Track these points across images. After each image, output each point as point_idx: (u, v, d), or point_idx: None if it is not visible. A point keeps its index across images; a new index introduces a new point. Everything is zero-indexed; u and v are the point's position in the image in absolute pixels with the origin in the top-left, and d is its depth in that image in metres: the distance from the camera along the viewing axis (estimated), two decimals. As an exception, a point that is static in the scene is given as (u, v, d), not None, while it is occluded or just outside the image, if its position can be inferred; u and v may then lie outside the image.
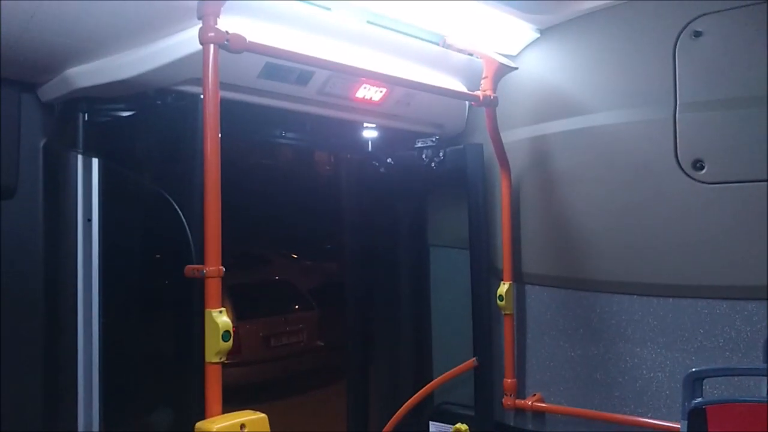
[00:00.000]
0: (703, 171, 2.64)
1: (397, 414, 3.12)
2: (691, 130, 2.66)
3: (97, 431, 2.23)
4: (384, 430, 3.08)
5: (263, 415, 1.98)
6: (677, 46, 2.69)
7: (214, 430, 1.85)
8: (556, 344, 3.08)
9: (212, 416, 1.92)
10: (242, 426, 1.91)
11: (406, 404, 3.14)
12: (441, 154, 3.34)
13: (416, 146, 3.36)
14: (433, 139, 3.33)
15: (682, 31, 2.68)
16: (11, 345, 2.17)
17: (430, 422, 3.14)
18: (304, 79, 2.55)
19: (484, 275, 3.25)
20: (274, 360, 6.77)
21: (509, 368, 3.14)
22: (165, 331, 2.95)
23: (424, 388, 3.23)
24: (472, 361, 3.26)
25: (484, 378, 3.23)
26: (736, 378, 2.53)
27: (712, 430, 2.03)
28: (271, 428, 1.99)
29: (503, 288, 3.12)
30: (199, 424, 1.88)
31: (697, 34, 2.65)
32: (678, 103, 2.69)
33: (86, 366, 2.22)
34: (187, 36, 2.16)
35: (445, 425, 3.19)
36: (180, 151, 2.33)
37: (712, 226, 2.62)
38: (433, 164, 3.35)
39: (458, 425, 3.14)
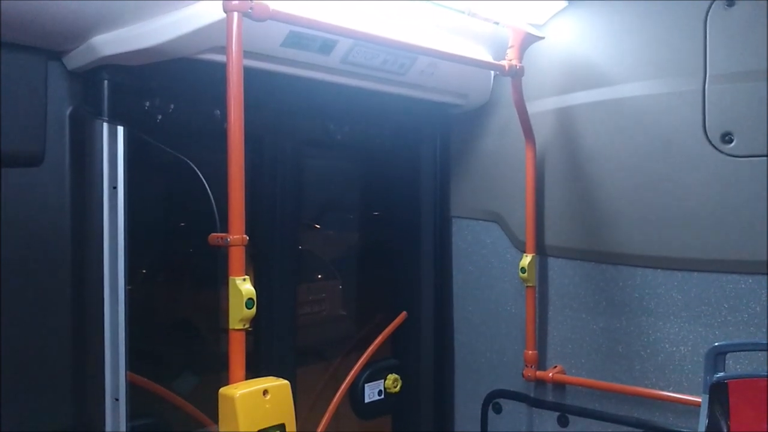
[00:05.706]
0: (732, 144, 2.59)
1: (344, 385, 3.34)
2: (721, 102, 2.61)
3: (123, 398, 2.27)
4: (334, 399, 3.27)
5: (286, 381, 2.01)
6: (709, 15, 2.63)
7: (237, 395, 1.87)
8: (578, 317, 3.07)
9: (236, 382, 1.95)
10: (265, 392, 1.94)
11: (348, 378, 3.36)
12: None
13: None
14: None
15: (714, 0, 2.62)
16: (38, 313, 2.21)
17: (365, 385, 3.41)
18: (327, 47, 2.53)
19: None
20: (304, 327, 6.85)
21: (530, 340, 3.14)
22: (189, 297, 2.99)
23: (365, 354, 3.41)
24: (403, 315, 3.50)
25: (411, 330, 3.51)
26: (759, 353, 2.51)
27: (734, 405, 2.02)
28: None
29: (526, 260, 3.11)
30: (222, 390, 1.91)
31: (730, 3, 2.59)
32: (708, 74, 2.64)
33: (113, 333, 2.26)
34: (211, 4, 2.15)
35: (378, 382, 3.48)
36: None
37: (739, 200, 2.58)
38: (339, 136, 3.24)
39: (389, 376, 3.49)
